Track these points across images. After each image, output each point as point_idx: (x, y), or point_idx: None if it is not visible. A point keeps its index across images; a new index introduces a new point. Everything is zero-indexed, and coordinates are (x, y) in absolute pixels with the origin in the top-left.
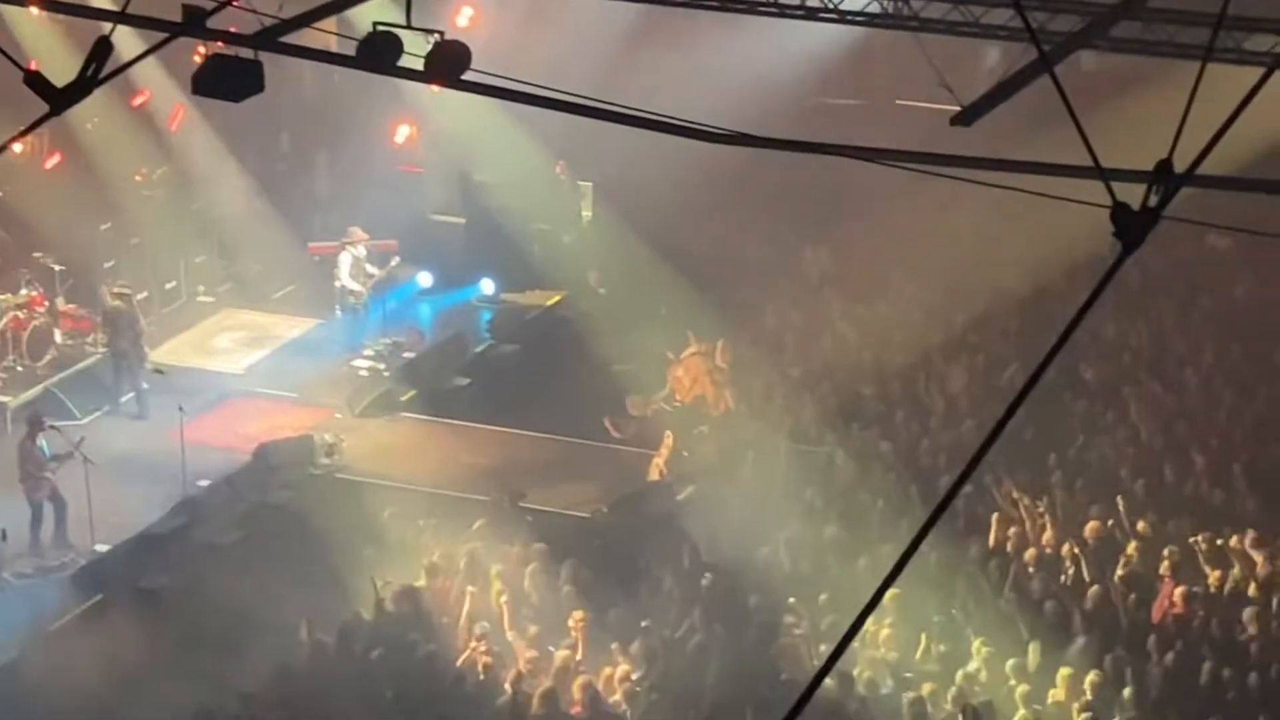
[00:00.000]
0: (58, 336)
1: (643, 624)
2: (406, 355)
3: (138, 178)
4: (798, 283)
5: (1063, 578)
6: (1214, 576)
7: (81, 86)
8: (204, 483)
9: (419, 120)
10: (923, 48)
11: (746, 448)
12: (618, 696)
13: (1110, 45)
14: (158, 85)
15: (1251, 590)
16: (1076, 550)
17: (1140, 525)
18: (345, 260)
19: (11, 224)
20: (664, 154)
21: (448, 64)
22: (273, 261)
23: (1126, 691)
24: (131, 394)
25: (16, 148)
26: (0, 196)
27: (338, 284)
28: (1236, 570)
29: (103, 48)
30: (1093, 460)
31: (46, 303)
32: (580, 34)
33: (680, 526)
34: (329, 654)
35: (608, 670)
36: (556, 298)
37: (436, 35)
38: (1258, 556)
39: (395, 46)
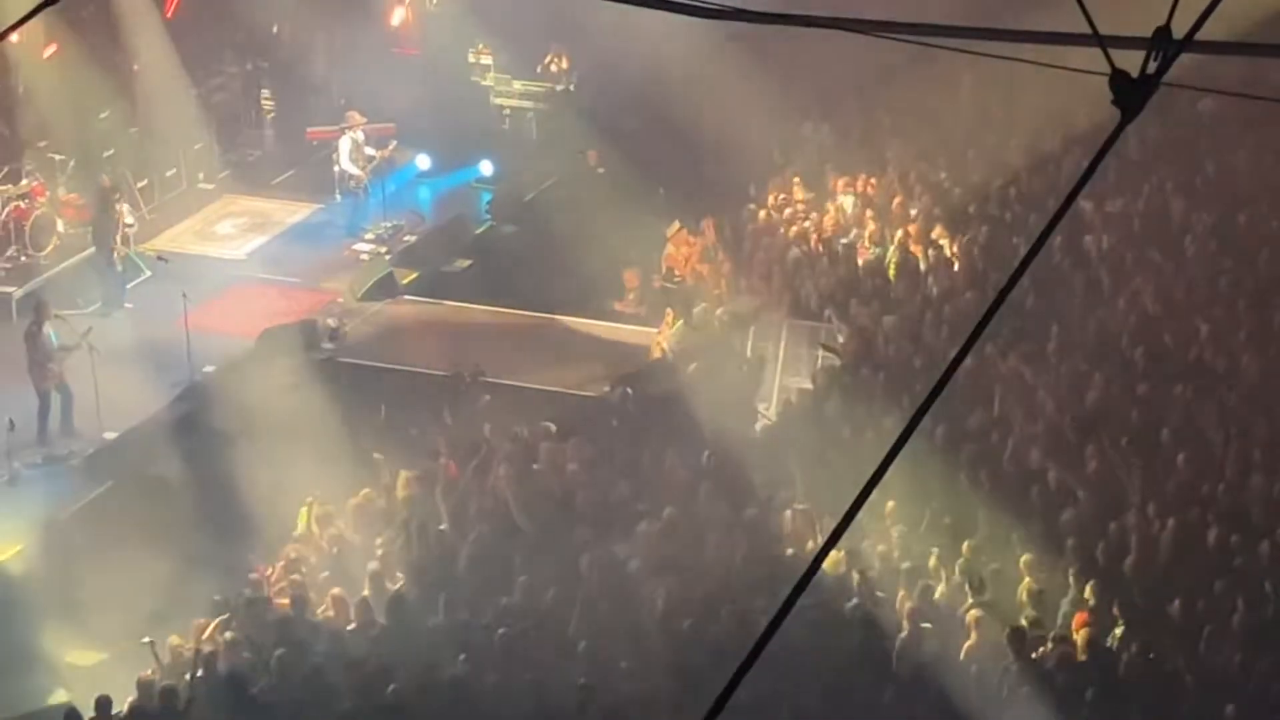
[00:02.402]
0: (60, 226)
1: (639, 506)
2: (407, 238)
3: (135, 66)
4: (798, 159)
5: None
6: (1219, 440)
7: None
8: (209, 369)
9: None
10: None
11: (747, 324)
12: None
13: None
14: None
15: (1256, 455)
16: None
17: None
18: (344, 144)
19: (11, 114)
20: (664, 31)
21: None
22: (272, 147)
23: (1129, 560)
24: (136, 281)
25: (14, 37)
26: None
27: (337, 168)
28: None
29: None
30: (1092, 329)
31: (48, 192)
32: None
33: (683, 404)
34: (342, 540)
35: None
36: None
37: None
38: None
39: None
